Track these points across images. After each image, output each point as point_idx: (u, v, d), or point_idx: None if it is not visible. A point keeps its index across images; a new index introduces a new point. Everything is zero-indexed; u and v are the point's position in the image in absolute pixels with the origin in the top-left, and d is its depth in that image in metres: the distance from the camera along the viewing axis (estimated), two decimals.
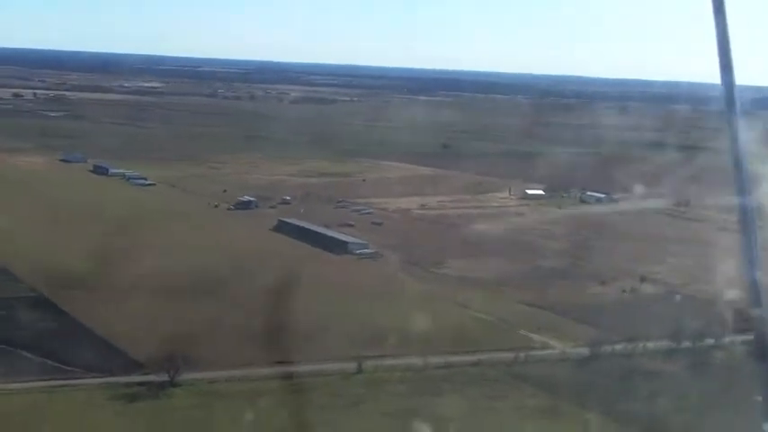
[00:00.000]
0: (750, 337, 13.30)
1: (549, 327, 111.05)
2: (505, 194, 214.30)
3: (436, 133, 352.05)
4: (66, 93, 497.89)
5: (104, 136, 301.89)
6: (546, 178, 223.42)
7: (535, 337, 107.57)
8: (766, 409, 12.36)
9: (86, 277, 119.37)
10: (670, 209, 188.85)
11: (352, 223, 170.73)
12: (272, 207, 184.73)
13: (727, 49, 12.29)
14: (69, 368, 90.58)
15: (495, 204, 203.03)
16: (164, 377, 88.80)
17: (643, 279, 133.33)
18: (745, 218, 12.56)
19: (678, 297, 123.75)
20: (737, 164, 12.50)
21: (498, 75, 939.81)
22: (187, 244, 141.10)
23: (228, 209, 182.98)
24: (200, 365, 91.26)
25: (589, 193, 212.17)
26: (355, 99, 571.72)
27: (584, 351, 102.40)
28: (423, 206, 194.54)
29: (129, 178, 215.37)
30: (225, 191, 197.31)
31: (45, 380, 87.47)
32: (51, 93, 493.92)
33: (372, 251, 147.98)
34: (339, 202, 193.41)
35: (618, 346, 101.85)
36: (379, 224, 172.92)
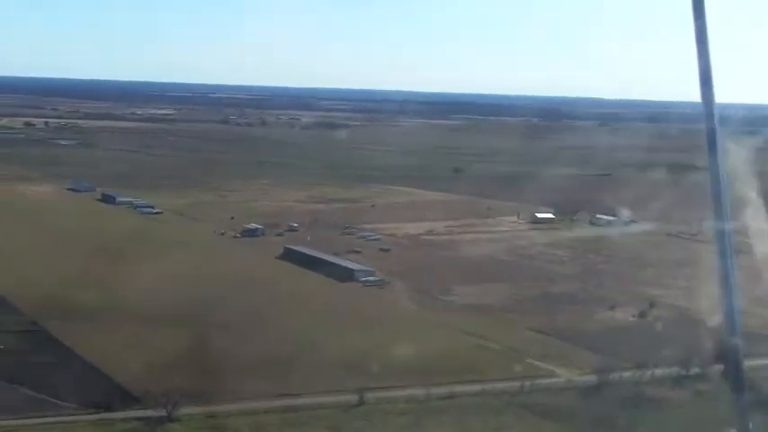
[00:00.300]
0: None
1: (555, 354, 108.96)
2: (515, 219, 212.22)
3: (447, 157, 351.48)
4: (78, 121, 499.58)
5: (114, 164, 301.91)
6: (556, 201, 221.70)
7: (541, 365, 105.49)
8: None
9: (86, 308, 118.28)
10: (681, 231, 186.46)
11: (359, 250, 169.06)
12: (279, 234, 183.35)
13: (709, 78, 12.27)
14: (65, 403, 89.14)
15: (504, 229, 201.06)
16: (161, 412, 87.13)
17: (653, 304, 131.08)
18: (723, 243, 12.38)
19: (688, 322, 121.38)
20: (716, 188, 12.38)
21: (512, 97, 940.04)
22: (190, 273, 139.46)
23: (235, 236, 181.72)
24: (199, 399, 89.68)
25: (599, 215, 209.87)
26: (366, 123, 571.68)
27: (591, 379, 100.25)
28: (431, 231, 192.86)
29: (136, 207, 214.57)
30: (232, 218, 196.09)
31: (38, 416, 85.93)
32: (63, 121, 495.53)
33: (378, 278, 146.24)
34: (346, 228, 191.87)
35: (626, 374, 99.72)
36: (387, 250, 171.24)
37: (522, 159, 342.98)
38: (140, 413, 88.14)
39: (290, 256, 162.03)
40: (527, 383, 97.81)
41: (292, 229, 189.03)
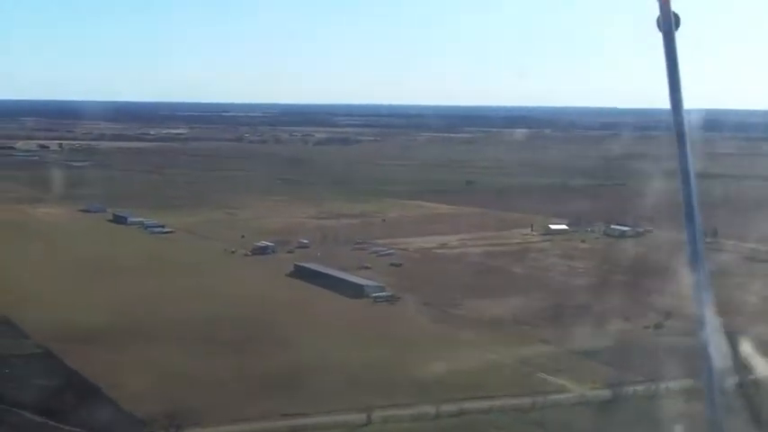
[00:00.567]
0: None
1: (568, 368, 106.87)
2: (528, 231, 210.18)
3: (460, 170, 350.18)
4: (92, 142, 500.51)
5: (127, 185, 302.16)
6: (570, 212, 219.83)
7: (553, 380, 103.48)
8: None
9: (94, 330, 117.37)
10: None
11: (370, 266, 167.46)
12: (289, 252, 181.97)
13: (677, 82, 12.56)
14: (69, 428, 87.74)
15: (517, 241, 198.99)
16: None
17: (668, 315, 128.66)
18: (694, 245, 12.50)
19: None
20: (686, 190, 12.62)
21: (525, 108, 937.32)
22: (198, 294, 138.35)
23: (245, 255, 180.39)
24: (204, 421, 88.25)
25: (614, 226, 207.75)
26: (379, 138, 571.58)
27: (605, 394, 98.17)
28: (443, 245, 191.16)
29: (147, 227, 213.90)
30: (243, 236, 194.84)
31: None
32: (77, 143, 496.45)
33: (389, 294, 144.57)
34: (358, 243, 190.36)
35: (639, 387, 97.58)
36: (398, 265, 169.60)
37: (535, 171, 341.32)
38: None
39: (300, 273, 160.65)
40: (539, 399, 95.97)
41: (303, 246, 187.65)
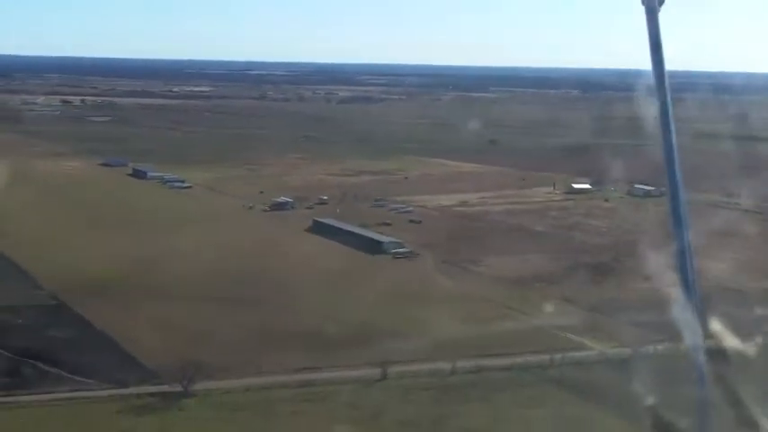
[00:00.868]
0: None
1: (587, 326, 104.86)
2: (550, 189, 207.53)
3: (484, 129, 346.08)
4: (115, 99, 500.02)
5: (148, 140, 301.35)
6: (594, 172, 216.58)
7: (572, 337, 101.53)
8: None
9: (108, 283, 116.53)
10: (722, 201, 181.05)
11: (390, 222, 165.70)
12: (308, 208, 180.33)
13: (659, 48, 12.45)
14: (79, 378, 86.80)
15: (539, 200, 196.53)
16: (177, 387, 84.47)
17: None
18: (677, 214, 12.51)
19: (729, 294, 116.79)
20: (669, 157, 12.58)
21: (554, 70, 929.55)
22: (214, 248, 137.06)
23: (263, 210, 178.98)
24: (217, 373, 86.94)
25: (638, 185, 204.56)
26: (403, 97, 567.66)
27: (625, 352, 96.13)
28: (464, 203, 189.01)
29: (166, 181, 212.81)
30: (262, 192, 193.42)
31: (53, 392, 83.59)
32: (99, 99, 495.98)
33: (408, 250, 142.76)
34: (378, 200, 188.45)
35: (660, 347, 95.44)
36: (418, 222, 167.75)
37: (560, 131, 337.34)
38: (156, 388, 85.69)
39: (318, 228, 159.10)
40: (557, 356, 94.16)
41: (322, 202, 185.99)
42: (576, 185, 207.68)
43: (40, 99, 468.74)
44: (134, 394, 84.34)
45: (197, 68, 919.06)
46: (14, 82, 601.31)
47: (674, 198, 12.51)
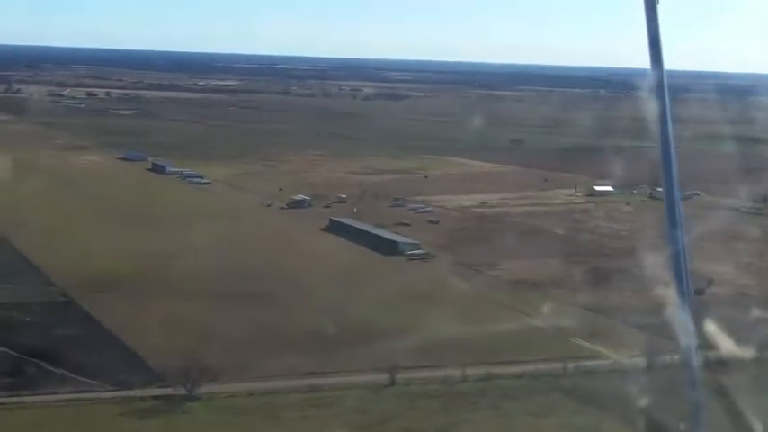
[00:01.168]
0: None
1: (603, 334, 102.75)
2: (571, 191, 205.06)
3: (507, 129, 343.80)
4: (140, 92, 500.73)
5: (170, 134, 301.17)
6: (617, 174, 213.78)
7: (588, 345, 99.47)
8: None
9: (120, 279, 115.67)
10: (746, 206, 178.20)
11: (408, 222, 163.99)
12: (326, 206, 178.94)
13: (659, 49, 12.68)
14: (83, 379, 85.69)
15: (560, 202, 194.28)
16: (181, 390, 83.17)
17: (710, 281, 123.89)
18: (672, 213, 12.76)
19: (748, 301, 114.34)
20: (666, 157, 12.76)
21: (581, 68, 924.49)
22: (229, 246, 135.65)
23: (281, 208, 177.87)
24: (222, 377, 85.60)
25: (660, 189, 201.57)
26: (429, 95, 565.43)
27: (640, 361, 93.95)
28: (483, 204, 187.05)
29: (185, 177, 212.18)
30: (280, 189, 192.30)
31: (57, 393, 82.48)
32: (125, 92, 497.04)
33: (424, 252, 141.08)
34: (397, 200, 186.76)
35: (677, 356, 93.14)
36: (436, 223, 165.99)
37: (585, 131, 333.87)
38: (161, 391, 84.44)
39: (334, 228, 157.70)
40: (570, 365, 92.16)
41: (341, 201, 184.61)
42: (597, 188, 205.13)
43: (66, 91, 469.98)
44: (138, 396, 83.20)
45: (226, 62, 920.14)
46: (42, 73, 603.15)
47: (670, 198, 12.29)
